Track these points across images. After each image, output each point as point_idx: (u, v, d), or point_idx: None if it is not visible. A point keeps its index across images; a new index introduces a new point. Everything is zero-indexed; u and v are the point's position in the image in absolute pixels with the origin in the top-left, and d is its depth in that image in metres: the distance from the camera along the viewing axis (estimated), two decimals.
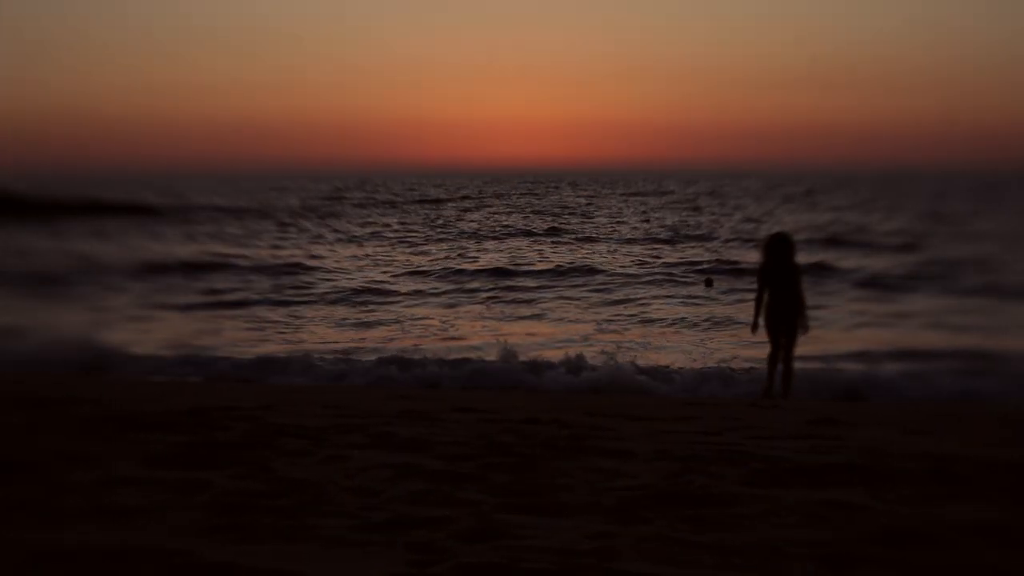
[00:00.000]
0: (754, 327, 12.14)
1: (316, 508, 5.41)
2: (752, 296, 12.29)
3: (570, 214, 55.54)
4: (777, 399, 11.67)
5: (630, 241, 36.39)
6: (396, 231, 41.91)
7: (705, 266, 27.27)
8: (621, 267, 27.68)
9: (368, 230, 42.26)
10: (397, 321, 18.79)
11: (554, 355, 14.49)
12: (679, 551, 4.77)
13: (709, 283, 23.60)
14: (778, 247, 12.07)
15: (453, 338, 16.75)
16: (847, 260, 27.54)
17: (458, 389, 12.55)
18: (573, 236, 38.61)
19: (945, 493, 5.97)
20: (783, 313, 11.97)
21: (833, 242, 33.19)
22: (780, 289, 11.97)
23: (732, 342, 16.61)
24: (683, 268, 26.72)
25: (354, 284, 23.98)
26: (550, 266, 27.70)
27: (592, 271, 26.49)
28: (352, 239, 37.88)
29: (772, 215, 49.97)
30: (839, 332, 17.32)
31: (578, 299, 21.54)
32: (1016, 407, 11.11)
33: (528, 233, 40.21)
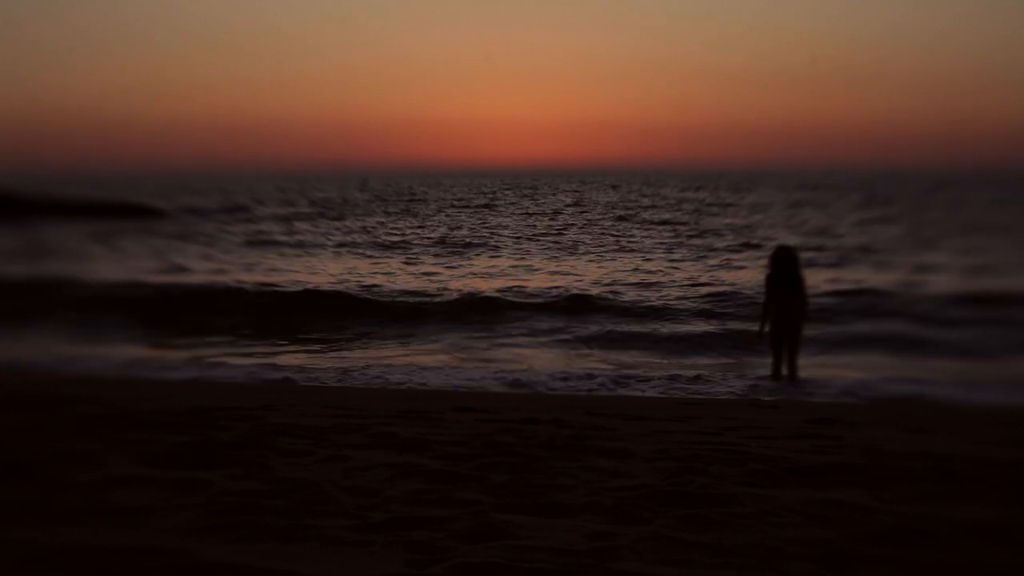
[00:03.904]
0: (760, 333, 13.28)
1: (315, 508, 5.40)
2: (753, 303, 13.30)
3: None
4: (784, 382, 12.91)
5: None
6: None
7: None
8: None
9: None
10: None
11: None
12: (678, 551, 4.77)
13: (696, 284, 23.65)
14: (783, 259, 13.16)
15: None
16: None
17: (457, 389, 12.53)
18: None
19: (945, 493, 5.97)
20: (787, 321, 13.01)
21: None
22: (785, 299, 13.02)
23: (731, 343, 16.61)
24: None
25: None
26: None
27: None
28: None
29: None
30: None
31: None
32: (1016, 407, 11.11)
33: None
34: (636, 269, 27.84)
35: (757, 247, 32.99)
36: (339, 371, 13.90)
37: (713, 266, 28.64)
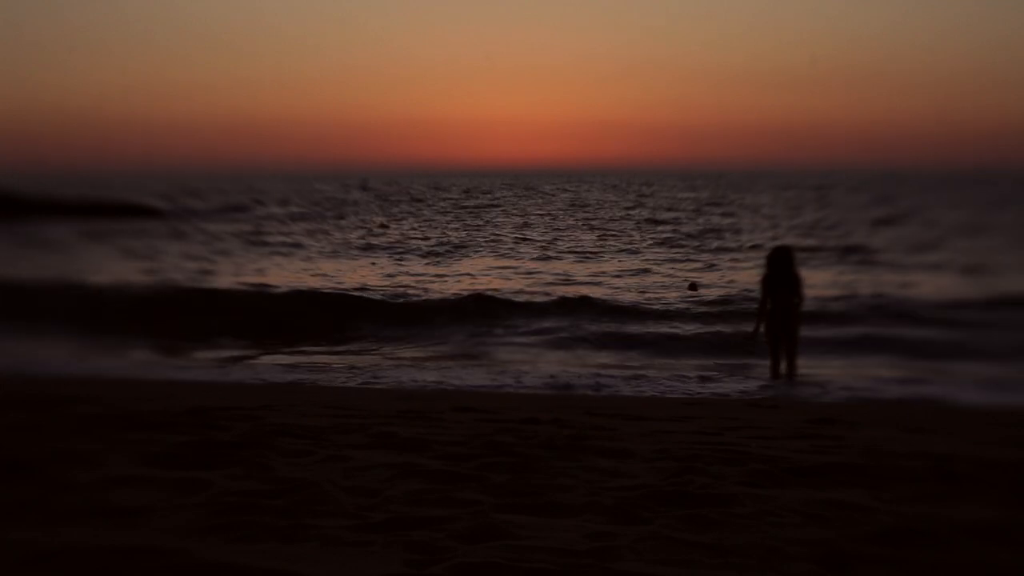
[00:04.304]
0: (755, 334, 13.30)
1: (315, 508, 5.40)
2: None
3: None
4: (783, 381, 12.92)
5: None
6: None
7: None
8: None
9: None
10: None
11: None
12: (678, 551, 4.77)
13: (693, 287, 23.57)
14: (780, 258, 13.21)
15: None
16: None
17: (458, 389, 12.51)
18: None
19: (945, 492, 5.97)
20: (785, 321, 13.03)
21: None
22: (782, 298, 13.04)
23: (731, 343, 16.59)
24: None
25: None
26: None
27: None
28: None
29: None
30: None
31: None
32: (1016, 407, 11.11)
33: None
34: (635, 270, 27.83)
35: (756, 247, 32.99)
36: (339, 371, 13.90)
37: (713, 266, 28.64)
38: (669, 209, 62.38)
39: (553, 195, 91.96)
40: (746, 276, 24.71)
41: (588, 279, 25.54)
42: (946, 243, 33.79)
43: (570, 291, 22.63)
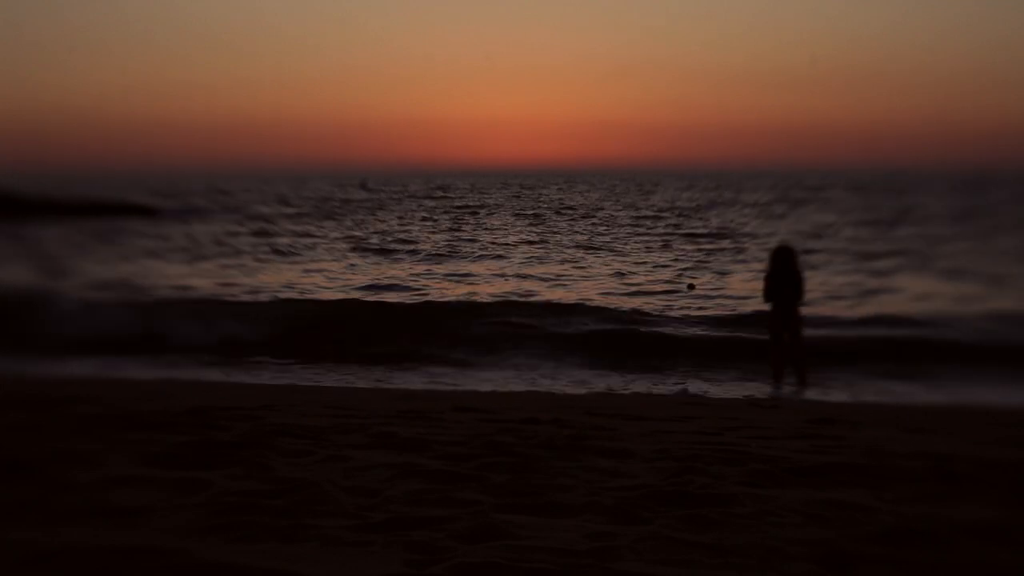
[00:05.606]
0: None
1: (315, 508, 5.40)
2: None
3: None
4: (786, 385, 12.89)
5: None
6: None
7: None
8: None
9: None
10: None
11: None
12: (678, 551, 4.77)
13: (691, 287, 23.59)
14: (782, 256, 13.32)
15: None
16: None
17: (458, 390, 12.51)
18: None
19: (945, 492, 5.97)
20: (786, 315, 13.07)
21: None
22: (785, 294, 13.09)
23: (732, 344, 16.58)
24: None
25: None
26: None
27: None
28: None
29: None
30: None
31: None
32: (1016, 407, 11.11)
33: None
34: (633, 270, 27.81)
35: (756, 248, 32.98)
36: (339, 371, 13.89)
37: (712, 267, 28.63)
38: (668, 209, 62.35)
39: (552, 195, 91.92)
40: (745, 276, 24.71)
41: (586, 280, 25.52)
42: (946, 245, 33.76)
43: (568, 293, 22.63)
